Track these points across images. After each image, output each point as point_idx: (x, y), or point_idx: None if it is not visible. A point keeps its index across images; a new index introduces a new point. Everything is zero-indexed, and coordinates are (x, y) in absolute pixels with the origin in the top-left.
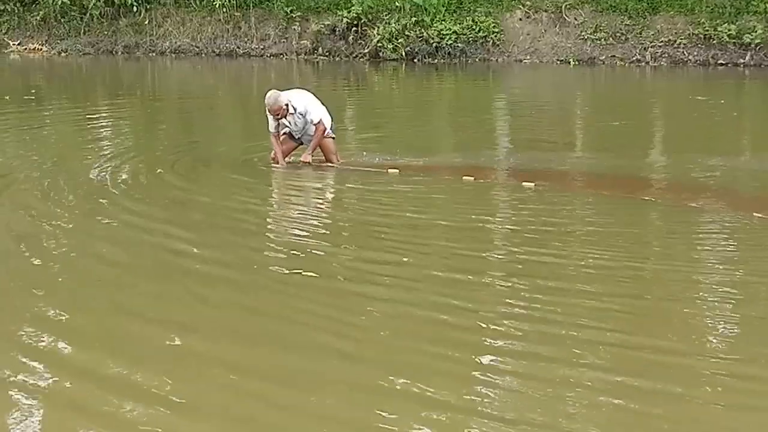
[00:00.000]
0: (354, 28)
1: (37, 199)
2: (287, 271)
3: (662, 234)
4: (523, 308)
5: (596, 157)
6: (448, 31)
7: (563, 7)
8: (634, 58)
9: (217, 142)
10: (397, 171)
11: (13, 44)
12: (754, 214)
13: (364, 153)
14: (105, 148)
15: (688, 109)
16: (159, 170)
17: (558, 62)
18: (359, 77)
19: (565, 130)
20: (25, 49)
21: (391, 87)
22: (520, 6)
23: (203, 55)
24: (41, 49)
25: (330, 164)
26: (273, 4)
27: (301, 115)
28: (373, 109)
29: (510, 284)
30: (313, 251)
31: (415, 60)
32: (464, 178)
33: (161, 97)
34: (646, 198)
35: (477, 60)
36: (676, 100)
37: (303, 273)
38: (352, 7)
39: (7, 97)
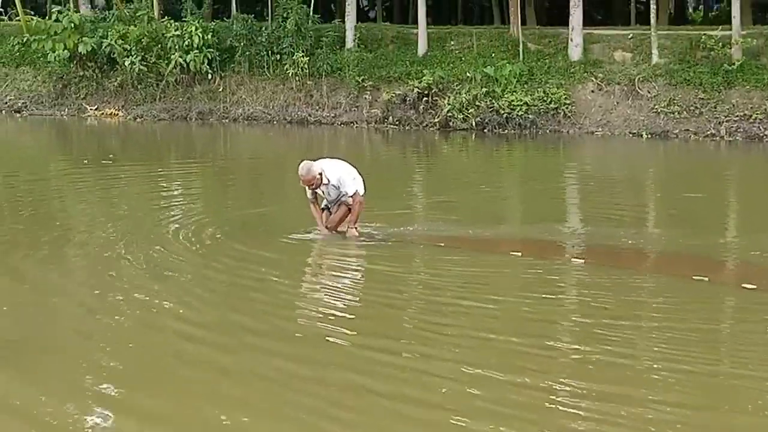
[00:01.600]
0: (425, 98)
1: (110, 258)
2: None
3: (735, 327)
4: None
5: (664, 234)
6: (519, 102)
7: (636, 80)
8: (708, 132)
9: (284, 210)
10: (442, 244)
11: (91, 109)
12: None
13: (411, 225)
14: (175, 210)
15: (763, 185)
16: (219, 235)
17: (630, 135)
18: (429, 146)
19: (634, 204)
20: (102, 114)
21: (460, 157)
22: (593, 78)
23: (275, 122)
24: (117, 114)
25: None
26: (345, 73)
27: (335, 186)
28: (442, 178)
29: (569, 389)
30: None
31: (485, 130)
32: (512, 253)
33: (232, 163)
34: (714, 281)
35: (548, 131)
36: (751, 176)
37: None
38: (424, 77)
39: (86, 161)
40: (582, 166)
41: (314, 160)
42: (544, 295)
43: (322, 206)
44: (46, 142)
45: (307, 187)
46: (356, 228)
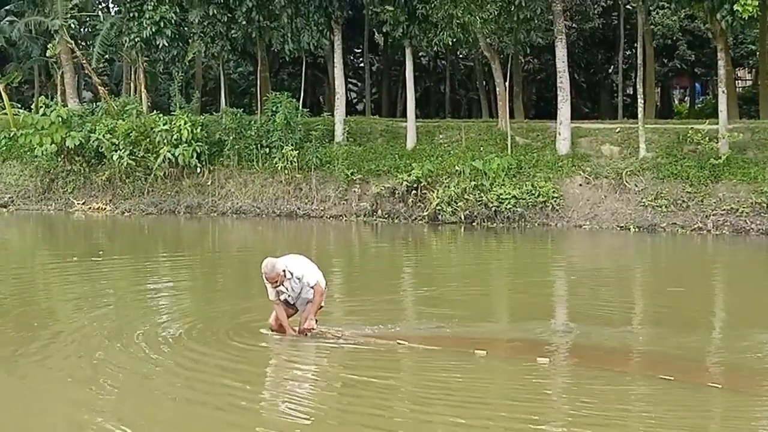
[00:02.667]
0: (414, 191)
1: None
2: None
3: None
4: None
5: (651, 333)
6: (507, 196)
7: (624, 173)
8: (695, 226)
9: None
10: (406, 343)
11: (78, 203)
12: None
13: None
14: (160, 306)
15: (750, 280)
16: (211, 333)
17: (618, 228)
18: (417, 240)
19: (621, 301)
20: (90, 208)
21: (448, 250)
22: (581, 172)
23: (264, 215)
24: (105, 209)
25: (328, 332)
26: (334, 166)
27: (298, 279)
28: (429, 273)
29: None
30: None
31: (474, 223)
32: (476, 351)
33: (220, 256)
34: (700, 383)
35: (536, 224)
36: (738, 271)
37: None
38: (413, 171)
39: (75, 257)
40: (570, 260)
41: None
42: (516, 402)
43: (282, 300)
44: (33, 236)
45: (270, 286)
46: (315, 320)
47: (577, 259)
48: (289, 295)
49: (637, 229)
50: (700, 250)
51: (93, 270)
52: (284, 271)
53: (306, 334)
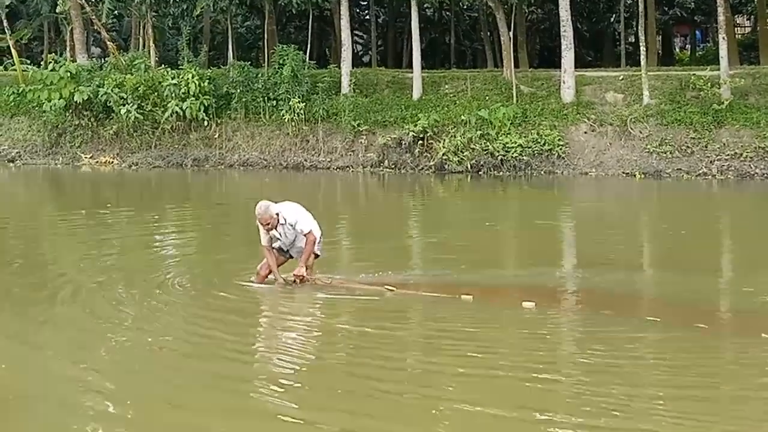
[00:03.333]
0: (420, 141)
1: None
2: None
3: (735, 382)
4: None
5: (656, 277)
6: (513, 144)
7: (628, 120)
8: (700, 171)
9: None
10: (395, 289)
11: (86, 157)
12: None
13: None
14: (163, 257)
15: (755, 224)
16: (215, 279)
17: (623, 175)
18: (424, 189)
19: (627, 245)
20: (97, 162)
21: (455, 198)
22: (585, 119)
23: (271, 167)
24: (112, 162)
25: (317, 279)
26: (340, 118)
27: (291, 225)
28: (436, 221)
29: None
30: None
31: (480, 172)
32: (463, 297)
33: (227, 209)
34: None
35: (542, 173)
36: (742, 214)
37: None
38: (419, 121)
39: (83, 211)
40: (576, 206)
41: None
42: (522, 349)
43: (275, 247)
44: (41, 190)
45: (263, 230)
46: (304, 267)
47: (583, 205)
48: (282, 242)
49: (642, 176)
50: (705, 194)
51: (100, 222)
52: (278, 214)
53: (296, 282)
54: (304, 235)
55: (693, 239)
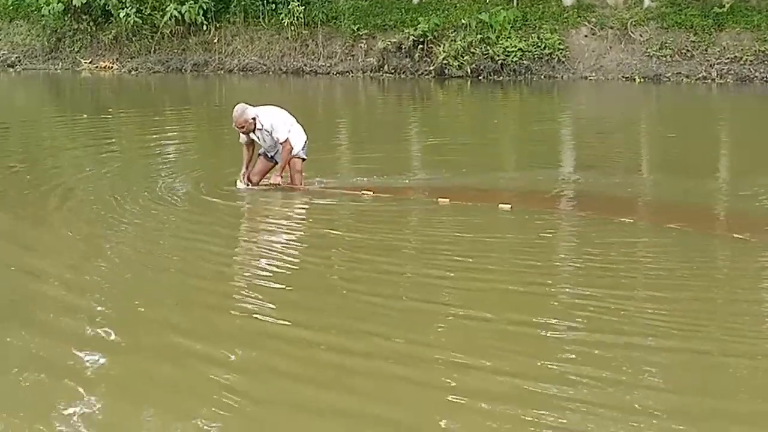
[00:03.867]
0: (420, 46)
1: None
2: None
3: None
4: None
5: (658, 180)
6: (513, 48)
7: (629, 24)
8: (700, 75)
9: None
10: (371, 194)
11: (85, 62)
12: None
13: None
14: (167, 161)
15: (754, 127)
16: (202, 184)
17: (623, 79)
18: (424, 94)
19: (626, 148)
20: (96, 67)
21: (455, 102)
22: (586, 23)
23: (270, 72)
24: (112, 67)
25: (294, 186)
26: (340, 21)
27: (267, 132)
28: (436, 125)
29: None
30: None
31: (480, 77)
32: (440, 200)
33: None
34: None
35: (542, 77)
36: (742, 118)
37: None
38: (419, 25)
39: (85, 115)
40: (576, 110)
41: (254, 106)
42: (518, 253)
43: (259, 152)
44: (41, 95)
45: (240, 131)
46: (280, 176)
47: (583, 109)
48: (264, 148)
49: (642, 80)
50: (704, 98)
51: (100, 126)
52: (254, 119)
53: (270, 187)
54: (280, 144)
55: (691, 143)
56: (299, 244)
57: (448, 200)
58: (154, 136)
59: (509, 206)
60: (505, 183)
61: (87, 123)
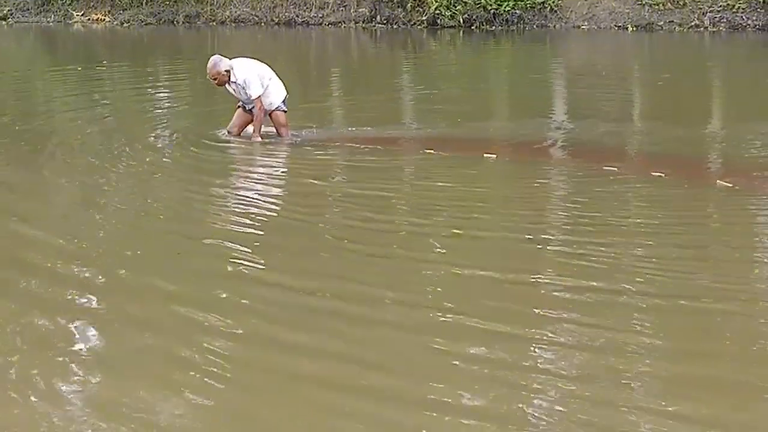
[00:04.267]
0: None
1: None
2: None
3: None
4: None
5: (646, 129)
6: None
7: None
8: (692, 23)
9: None
10: (360, 145)
11: (77, 15)
12: None
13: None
14: (159, 113)
15: (746, 75)
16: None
17: (616, 28)
18: (416, 43)
19: (618, 97)
20: (88, 19)
21: (447, 52)
22: None
23: (262, 24)
24: (104, 20)
25: (280, 137)
26: None
27: (241, 86)
28: (429, 76)
29: None
30: None
31: (473, 27)
32: (426, 150)
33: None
34: (609, 167)
35: (534, 27)
36: (734, 67)
37: None
38: None
39: (79, 68)
40: (568, 59)
41: (232, 58)
42: (508, 204)
43: (237, 105)
44: (34, 47)
45: (213, 83)
46: (258, 135)
47: (574, 57)
48: (241, 100)
49: (634, 28)
50: (697, 46)
51: (93, 77)
52: (228, 71)
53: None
54: (253, 99)
55: (683, 91)
56: (283, 194)
57: (433, 150)
58: (148, 89)
59: (494, 156)
60: (494, 132)
61: (82, 74)
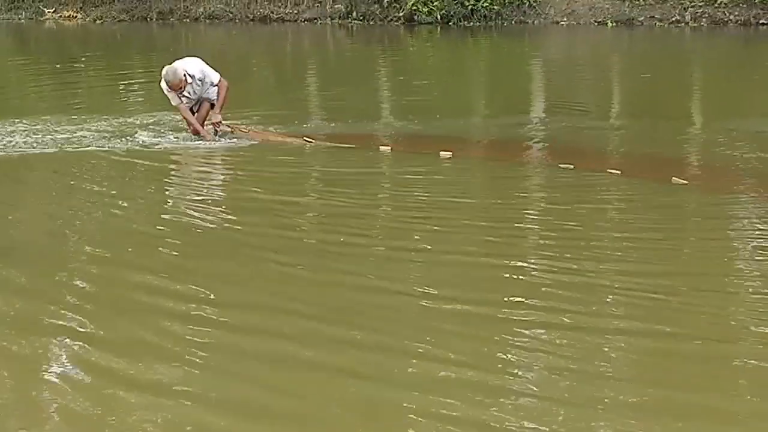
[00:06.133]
0: None
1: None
2: None
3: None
4: None
5: (628, 125)
6: None
7: None
8: (673, 19)
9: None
10: (313, 141)
11: (49, 12)
12: None
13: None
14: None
15: (727, 70)
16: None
17: (596, 23)
18: (393, 40)
19: (597, 93)
20: (60, 16)
21: (424, 48)
22: None
23: (237, 20)
24: (76, 17)
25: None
26: None
27: (200, 81)
28: (406, 73)
29: None
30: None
31: (451, 23)
32: (381, 148)
33: None
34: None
35: (513, 22)
36: (715, 62)
37: None
38: None
39: (58, 65)
40: (546, 55)
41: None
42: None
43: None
44: (4, 45)
45: (173, 94)
46: (219, 114)
47: (553, 53)
48: (190, 99)
49: (614, 24)
50: (677, 42)
51: (71, 74)
52: (185, 75)
53: (217, 131)
54: (215, 85)
55: (663, 87)
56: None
57: (389, 148)
58: (121, 85)
59: (450, 154)
60: (460, 129)
61: (60, 72)
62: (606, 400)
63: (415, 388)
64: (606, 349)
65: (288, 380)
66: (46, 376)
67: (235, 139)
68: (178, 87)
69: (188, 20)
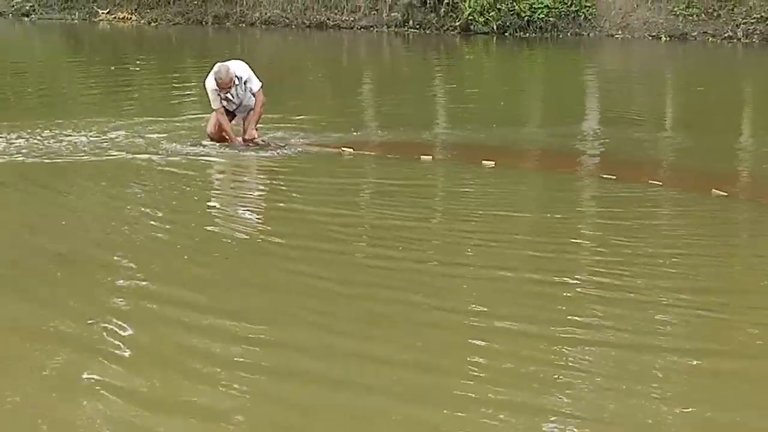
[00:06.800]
0: (445, 1)
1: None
2: None
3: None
4: None
5: (680, 138)
6: (540, 5)
7: None
8: (725, 35)
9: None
10: (352, 150)
11: (103, 13)
12: None
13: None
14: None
15: None
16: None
17: (649, 38)
18: (449, 49)
19: (651, 105)
20: (114, 17)
21: (480, 58)
22: None
23: (293, 26)
24: (131, 18)
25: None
26: None
27: (244, 84)
28: (462, 82)
29: None
30: None
31: (506, 34)
32: (422, 157)
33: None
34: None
35: (568, 34)
36: (763, 79)
37: None
38: None
39: (113, 68)
40: (601, 67)
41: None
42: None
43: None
44: (59, 45)
45: (214, 95)
46: (255, 130)
47: (608, 65)
48: (233, 102)
49: (668, 38)
50: (729, 57)
51: (125, 78)
52: (234, 75)
53: (249, 144)
54: (253, 94)
55: (714, 100)
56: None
57: (431, 157)
58: (174, 90)
59: (493, 163)
60: (507, 139)
61: (114, 74)
62: (649, 421)
63: (457, 409)
64: (654, 369)
65: (314, 400)
66: (77, 387)
67: (275, 152)
68: (227, 86)
69: (244, 25)
